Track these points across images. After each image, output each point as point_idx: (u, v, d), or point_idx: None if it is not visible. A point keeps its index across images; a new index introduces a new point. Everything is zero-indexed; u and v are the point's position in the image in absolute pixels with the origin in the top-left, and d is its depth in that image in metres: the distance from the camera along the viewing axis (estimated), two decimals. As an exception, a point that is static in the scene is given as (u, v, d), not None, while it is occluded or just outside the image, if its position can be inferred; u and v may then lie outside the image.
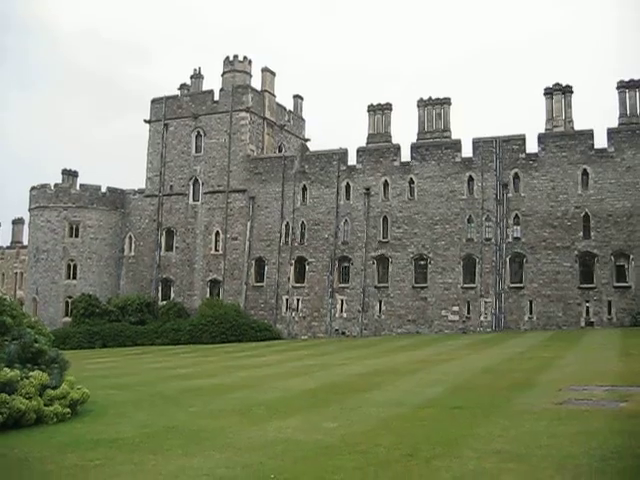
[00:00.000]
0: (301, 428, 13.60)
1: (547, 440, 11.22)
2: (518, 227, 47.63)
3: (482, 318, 47.29)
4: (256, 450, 11.81)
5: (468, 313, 47.68)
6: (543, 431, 11.97)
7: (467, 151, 49.39)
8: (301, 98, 65.80)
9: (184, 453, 11.87)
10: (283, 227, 53.44)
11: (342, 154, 52.87)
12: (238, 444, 12.39)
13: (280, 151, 60.08)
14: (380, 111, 55.20)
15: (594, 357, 25.13)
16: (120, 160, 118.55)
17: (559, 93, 49.40)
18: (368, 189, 51.12)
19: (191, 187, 57.46)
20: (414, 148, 50.99)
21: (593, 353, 27.06)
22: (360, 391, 18.71)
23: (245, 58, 59.03)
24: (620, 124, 47.27)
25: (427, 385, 19.34)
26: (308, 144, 62.00)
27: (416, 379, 21.08)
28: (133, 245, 59.31)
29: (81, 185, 59.81)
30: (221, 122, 56.71)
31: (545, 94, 49.83)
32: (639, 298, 43.77)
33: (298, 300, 52.05)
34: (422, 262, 49.61)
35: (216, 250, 55.75)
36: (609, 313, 44.26)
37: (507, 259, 47.37)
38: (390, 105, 55.15)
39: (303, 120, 65.91)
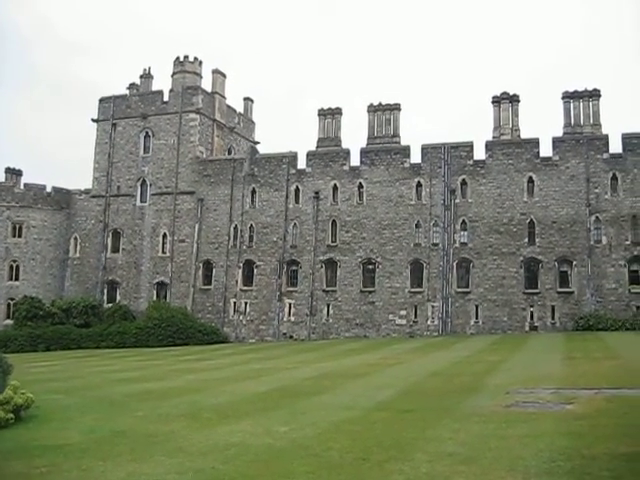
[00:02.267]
0: (252, 432, 13.53)
1: (496, 442, 11.38)
2: (465, 233, 48.24)
3: (429, 322, 47.74)
4: (207, 455, 11.70)
5: (415, 317, 48.07)
6: (492, 433, 12.14)
7: (416, 157, 49.89)
8: (251, 101, 65.60)
9: (133, 459, 11.68)
10: (232, 230, 53.12)
11: (292, 158, 52.85)
12: (189, 449, 12.27)
13: (230, 153, 59.74)
14: (330, 115, 55.41)
15: (539, 360, 25.60)
16: (66, 160, 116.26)
17: (507, 102, 50.29)
18: (317, 193, 51.20)
19: (139, 188, 56.67)
20: (364, 153, 51.27)
21: (538, 357, 27.55)
22: (310, 395, 18.70)
23: (196, 59, 58.53)
24: (565, 133, 48.36)
25: (377, 388, 19.43)
26: (258, 147, 61.83)
27: (366, 383, 21.17)
28: (78, 246, 58.15)
29: (25, 184, 58.38)
30: (170, 123, 56.16)
31: (493, 102, 50.69)
32: (581, 303, 44.76)
33: (246, 303, 51.77)
34: (370, 266, 49.86)
35: (163, 252, 55.08)
36: (552, 318, 45.15)
37: (454, 264, 47.92)
38: (340, 110, 55.43)
39: (253, 123, 65.70)
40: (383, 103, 53.87)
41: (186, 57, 58.03)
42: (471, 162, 48.47)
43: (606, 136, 46.74)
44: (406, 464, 10.23)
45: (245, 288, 52.01)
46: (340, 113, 55.44)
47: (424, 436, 12.32)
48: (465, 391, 17.82)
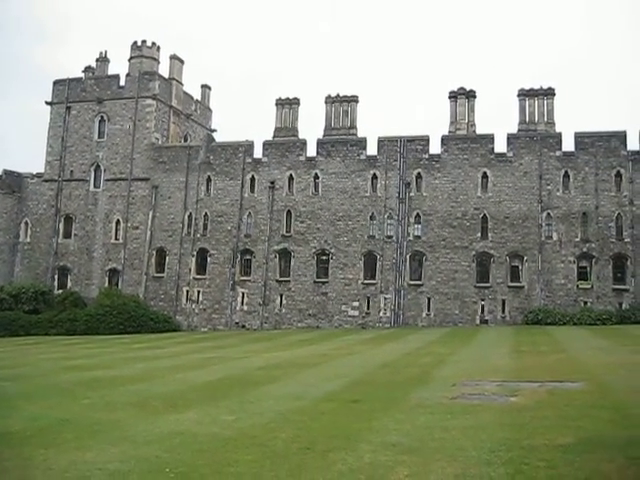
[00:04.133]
0: (199, 421, 13.48)
1: (440, 433, 11.54)
2: (419, 226, 48.67)
3: (381, 314, 48.10)
4: (152, 443, 11.63)
5: (368, 309, 48.40)
6: (436, 425, 12.29)
7: (372, 149, 50.15)
8: (209, 88, 65.09)
9: (77, 447, 11.54)
10: (186, 218, 52.73)
11: (248, 146, 52.65)
12: (134, 437, 12.17)
13: (185, 140, 59.28)
14: (288, 105, 55.24)
15: (487, 354, 26.01)
16: (18, 143, 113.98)
17: (463, 97, 50.75)
18: (273, 183, 51.12)
19: (92, 173, 55.85)
20: (320, 144, 51.33)
21: (487, 350, 27.98)
22: (260, 384, 18.72)
23: (154, 44, 57.68)
24: (519, 130, 49.00)
25: (327, 379, 19.54)
26: (215, 135, 61.37)
27: (316, 373, 21.28)
28: (29, 231, 57.08)
29: (-26, 167, 57.24)
30: (126, 108, 55.41)
31: (450, 97, 51.09)
32: (531, 298, 45.56)
33: (199, 292, 51.52)
34: (324, 257, 50.01)
35: (116, 239, 54.42)
36: (503, 311, 45.88)
37: (407, 257, 48.32)
38: (298, 100, 55.28)
39: (210, 110, 65.21)
40: (341, 95, 53.90)
41: (144, 42, 57.22)
42: (426, 156, 48.89)
43: (559, 134, 47.59)
44: (350, 454, 10.32)
45: (198, 277, 51.74)
46: (298, 103, 55.31)
47: (370, 427, 12.42)
48: (413, 383, 18.01)
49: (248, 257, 51.32)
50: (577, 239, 45.67)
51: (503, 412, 13.31)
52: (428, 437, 11.29)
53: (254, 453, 10.61)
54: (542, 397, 14.70)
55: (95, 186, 55.67)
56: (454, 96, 50.93)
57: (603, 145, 46.25)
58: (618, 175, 45.85)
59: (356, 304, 48.64)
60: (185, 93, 60.10)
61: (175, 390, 18.06)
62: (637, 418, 12.13)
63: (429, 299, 47.39)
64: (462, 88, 50.80)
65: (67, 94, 57.26)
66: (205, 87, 64.77)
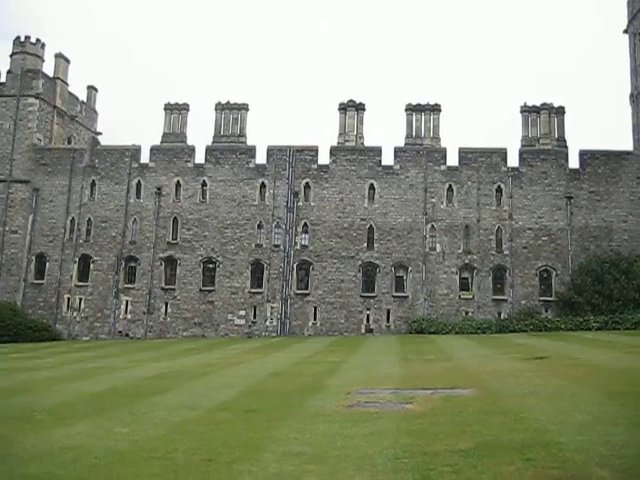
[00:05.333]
0: (91, 434, 12.86)
1: (342, 441, 11.50)
2: (306, 235, 48.97)
3: (268, 323, 48.01)
4: (43, 459, 10.94)
5: (254, 317, 48.21)
6: (337, 433, 12.26)
7: (261, 158, 50.13)
8: (95, 89, 63.10)
9: (-43, 466, 10.79)
10: (68, 222, 50.84)
11: (135, 151, 51.44)
12: (21, 453, 11.40)
13: (69, 143, 57.21)
14: (177, 111, 54.33)
15: (377, 362, 26.31)
16: None
17: (353, 109, 51.51)
18: (160, 189, 50.16)
19: (-33, 174, 53.06)
20: (209, 151, 50.84)
21: (376, 358, 28.31)
22: (150, 395, 18.16)
23: (38, 41, 55.23)
24: (406, 144, 50.25)
25: (219, 388, 19.20)
26: (100, 138, 59.55)
27: (207, 382, 20.89)
28: None
29: None
30: (7, 106, 52.80)
31: (340, 109, 51.73)
32: (415, 307, 46.66)
33: (80, 299, 49.69)
34: (211, 265, 49.46)
35: (-8, 243, 51.83)
36: (388, 321, 46.77)
37: (294, 266, 48.48)
38: (187, 105, 54.44)
39: (96, 113, 63.25)
40: (231, 102, 53.55)
41: (27, 37, 54.73)
42: (315, 166, 49.33)
43: (444, 149, 49.20)
44: (254, 464, 10.12)
45: (80, 284, 49.94)
46: (187, 109, 54.48)
47: (270, 436, 12.25)
48: (307, 391, 17.96)
49: (133, 264, 50.03)
50: (459, 251, 47.22)
51: (401, 419, 13.43)
52: (331, 445, 11.23)
53: (155, 467, 10.21)
54: (437, 404, 14.96)
55: (-30, 187, 52.82)
56: (344, 108, 51.62)
57: (485, 161, 48.14)
58: (499, 190, 47.83)
59: (243, 313, 48.33)
60: (70, 94, 58.00)
61: (61, 402, 17.24)
62: (528, 422, 12.50)
63: (315, 308, 47.71)
64: (352, 100, 51.56)
65: (-60, 89, 54.10)
66: (91, 88, 62.75)
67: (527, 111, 51.38)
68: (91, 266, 50.15)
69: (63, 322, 49.68)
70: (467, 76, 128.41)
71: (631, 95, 50.82)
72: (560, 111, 51.11)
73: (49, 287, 50.37)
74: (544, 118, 50.94)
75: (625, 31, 52.17)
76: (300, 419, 13.88)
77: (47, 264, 50.71)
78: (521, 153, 48.75)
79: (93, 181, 51.13)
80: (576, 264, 46.36)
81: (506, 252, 47.11)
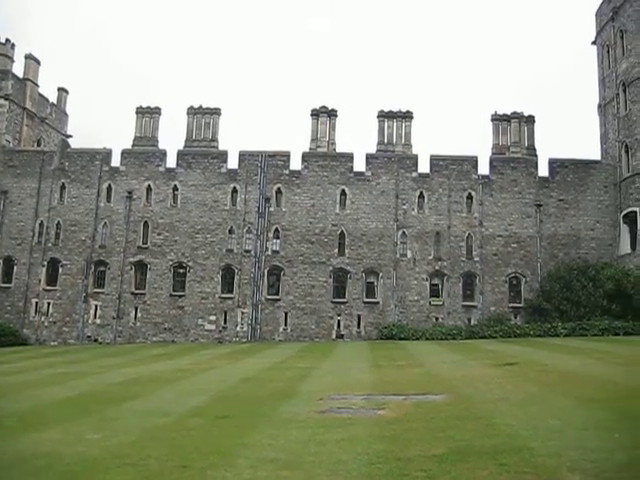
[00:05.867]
0: (62, 440, 12.70)
1: (315, 447, 11.50)
2: (278, 241, 48.88)
3: (238, 328, 47.83)
4: (14, 467, 10.76)
5: (225, 323, 47.99)
6: (310, 439, 12.25)
7: (233, 163, 49.96)
8: (66, 92, 62.46)
9: None
10: (37, 226, 50.21)
11: (106, 154, 50.98)
12: (-10, 460, 11.33)
13: (39, 145, 56.57)
14: (149, 115, 54.02)
15: (348, 368, 26.31)
16: None
17: (325, 115, 51.64)
18: (130, 193, 49.78)
19: None
20: (181, 155, 50.59)
21: (347, 364, 28.30)
22: (120, 400, 18.00)
23: (8, 41, 54.48)
24: (378, 150, 50.51)
25: (190, 394, 19.09)
26: (70, 141, 59.00)
27: (178, 388, 20.75)
28: None
29: None
30: (-26, 107, 52.24)
31: (312, 115, 51.82)
32: (385, 313, 46.79)
33: (49, 304, 49.04)
34: (181, 270, 49.16)
35: (-42, 247, 50.97)
36: (358, 326, 46.84)
37: (265, 271, 48.36)
38: (159, 109, 54.17)
39: (66, 115, 62.62)
40: (204, 106, 53.39)
41: (-5, 37, 54.18)
42: (287, 172, 49.31)
43: (416, 156, 49.44)
44: (229, 470, 10.07)
45: (49, 288, 49.30)
46: (159, 113, 54.20)
47: (243, 442, 12.20)
48: (279, 397, 17.92)
49: (102, 268, 49.55)
50: (430, 257, 47.46)
51: (374, 425, 13.46)
52: (304, 451, 11.23)
53: (128, 473, 10.11)
54: (409, 410, 15.01)
55: (-64, 190, 51.90)
56: (316, 114, 51.73)
57: (456, 168, 48.50)
58: (469, 197, 48.20)
59: (213, 318, 48.09)
60: (40, 95, 57.36)
61: (30, 407, 17.03)
62: (500, 427, 12.60)
63: (286, 314, 47.62)
64: (324, 107, 51.69)
65: None
66: (62, 90, 62.10)
67: (498, 119, 52.04)
68: (60, 270, 49.57)
69: (31, 327, 49.00)
70: (439, 84, 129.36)
71: (599, 105, 51.60)
72: (530, 120, 51.85)
73: (17, 291, 49.67)
74: (514, 127, 51.64)
75: (593, 42, 52.93)
76: (273, 425, 13.86)
77: (15, 267, 49.99)
78: (491, 161, 49.18)
79: (63, 184, 50.59)
80: (545, 271, 46.85)
81: (476, 259, 47.47)
